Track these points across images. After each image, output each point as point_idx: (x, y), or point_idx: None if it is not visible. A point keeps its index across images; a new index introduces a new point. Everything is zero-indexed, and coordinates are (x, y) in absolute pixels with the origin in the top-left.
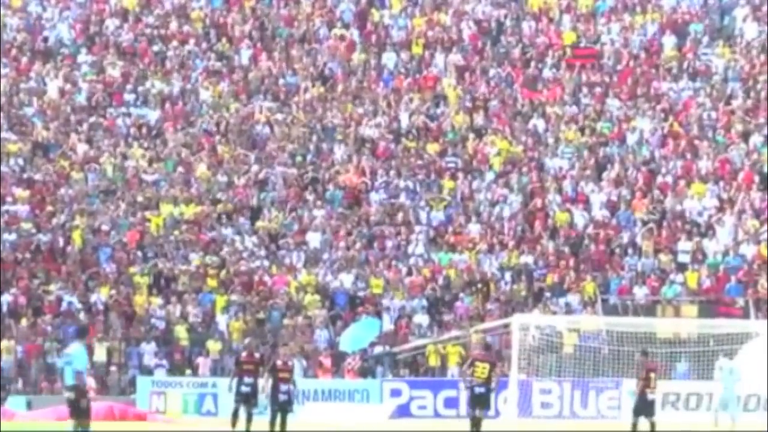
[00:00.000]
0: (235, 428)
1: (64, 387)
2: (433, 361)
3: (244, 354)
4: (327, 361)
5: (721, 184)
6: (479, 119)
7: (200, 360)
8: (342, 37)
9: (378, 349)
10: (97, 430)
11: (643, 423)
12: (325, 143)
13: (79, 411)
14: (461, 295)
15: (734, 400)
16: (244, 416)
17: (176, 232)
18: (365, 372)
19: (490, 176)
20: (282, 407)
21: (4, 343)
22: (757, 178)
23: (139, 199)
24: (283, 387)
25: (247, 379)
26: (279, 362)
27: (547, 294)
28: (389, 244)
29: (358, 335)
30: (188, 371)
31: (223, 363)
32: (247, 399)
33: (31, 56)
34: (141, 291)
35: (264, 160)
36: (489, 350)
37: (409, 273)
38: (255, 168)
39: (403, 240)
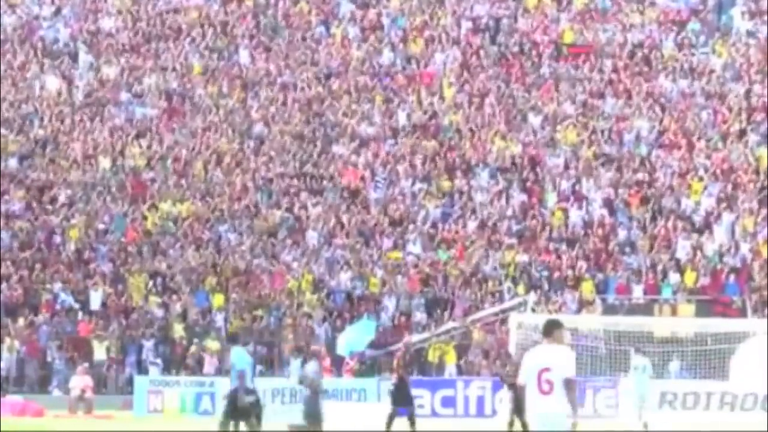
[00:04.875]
0: None
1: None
2: (432, 357)
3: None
4: (326, 361)
5: (719, 182)
6: (476, 117)
7: (206, 357)
8: (340, 35)
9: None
10: (91, 430)
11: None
12: (324, 141)
13: (237, 411)
14: (458, 292)
15: (648, 398)
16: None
17: (174, 230)
18: (363, 373)
19: (487, 174)
20: (252, 407)
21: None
22: (754, 177)
23: (137, 197)
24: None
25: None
26: None
27: (545, 292)
28: (387, 242)
29: (354, 337)
30: (185, 371)
31: (224, 364)
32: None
33: (29, 54)
34: (138, 289)
35: (262, 157)
36: None
37: (408, 271)
38: (253, 166)
39: (401, 238)
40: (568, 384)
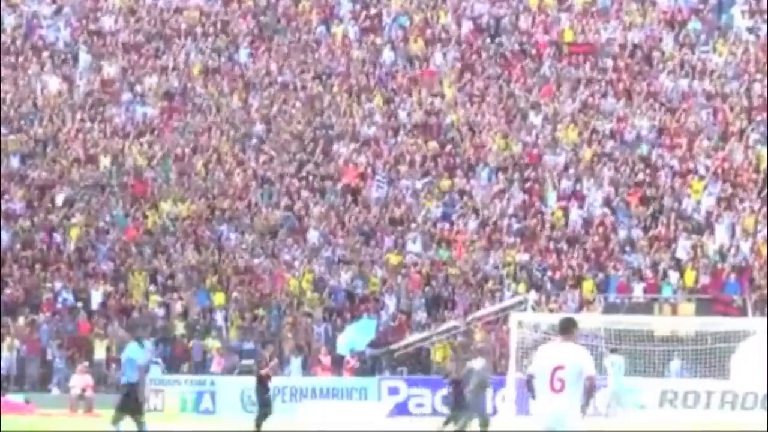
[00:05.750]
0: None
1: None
2: (438, 356)
3: (268, 367)
4: (326, 360)
5: (719, 181)
6: (477, 116)
7: (215, 357)
8: (340, 35)
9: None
10: (91, 430)
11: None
12: (324, 140)
13: (130, 407)
14: (459, 291)
15: (624, 394)
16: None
17: (174, 229)
18: (363, 372)
19: (487, 173)
20: (268, 405)
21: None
22: (755, 176)
23: (138, 196)
24: (270, 385)
25: (270, 384)
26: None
27: (545, 291)
28: (387, 241)
29: (354, 337)
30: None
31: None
32: (268, 402)
33: (29, 54)
34: (139, 288)
35: (262, 157)
36: None
37: (408, 270)
38: (254, 165)
39: (401, 237)
40: (590, 381)
